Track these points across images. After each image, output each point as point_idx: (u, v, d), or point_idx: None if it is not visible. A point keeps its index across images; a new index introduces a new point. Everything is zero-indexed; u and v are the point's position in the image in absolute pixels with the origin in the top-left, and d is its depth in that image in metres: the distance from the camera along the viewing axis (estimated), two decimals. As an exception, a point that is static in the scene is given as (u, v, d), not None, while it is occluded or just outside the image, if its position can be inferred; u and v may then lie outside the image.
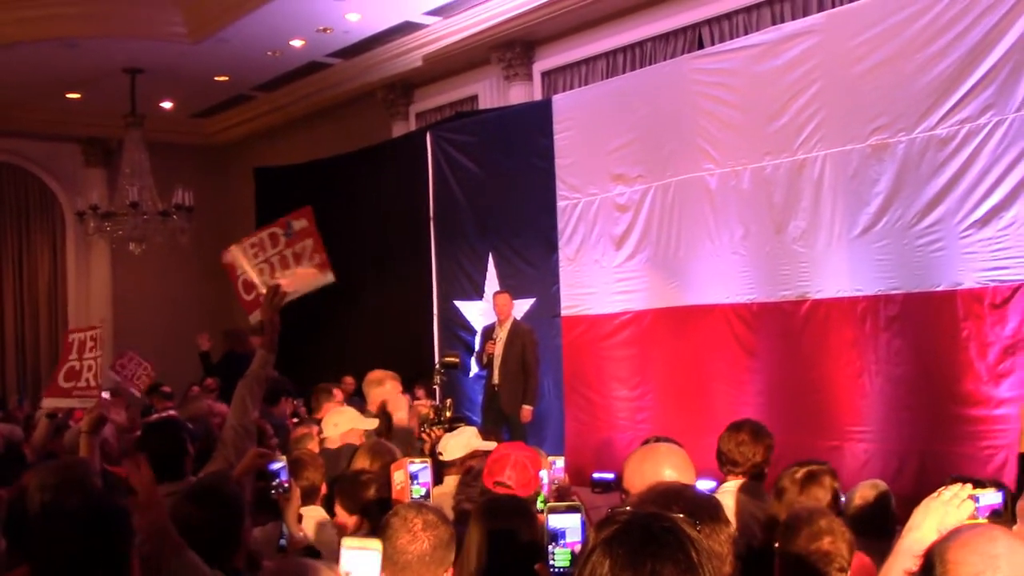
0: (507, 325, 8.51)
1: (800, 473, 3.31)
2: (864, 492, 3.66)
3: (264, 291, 4.32)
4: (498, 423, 8.00)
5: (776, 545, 2.71)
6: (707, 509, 2.26)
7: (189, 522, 2.84)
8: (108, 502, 2.48)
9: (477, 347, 9.03)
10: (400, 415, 5.23)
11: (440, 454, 4.53)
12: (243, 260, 4.44)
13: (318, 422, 5.91)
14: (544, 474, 3.59)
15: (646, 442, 4.11)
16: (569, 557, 1.94)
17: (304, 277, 4.43)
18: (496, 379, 8.37)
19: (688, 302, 7.76)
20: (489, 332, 8.64)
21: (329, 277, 4.52)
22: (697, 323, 7.66)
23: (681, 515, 1.59)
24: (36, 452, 5.01)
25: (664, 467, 2.67)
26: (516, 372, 8.34)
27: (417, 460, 3.48)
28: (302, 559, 2.83)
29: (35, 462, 4.82)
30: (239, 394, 4.11)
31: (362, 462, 4.15)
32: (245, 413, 4.05)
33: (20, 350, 14.69)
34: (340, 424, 5.13)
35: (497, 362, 8.37)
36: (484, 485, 3.55)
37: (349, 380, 10.49)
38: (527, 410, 8.33)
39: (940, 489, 2.10)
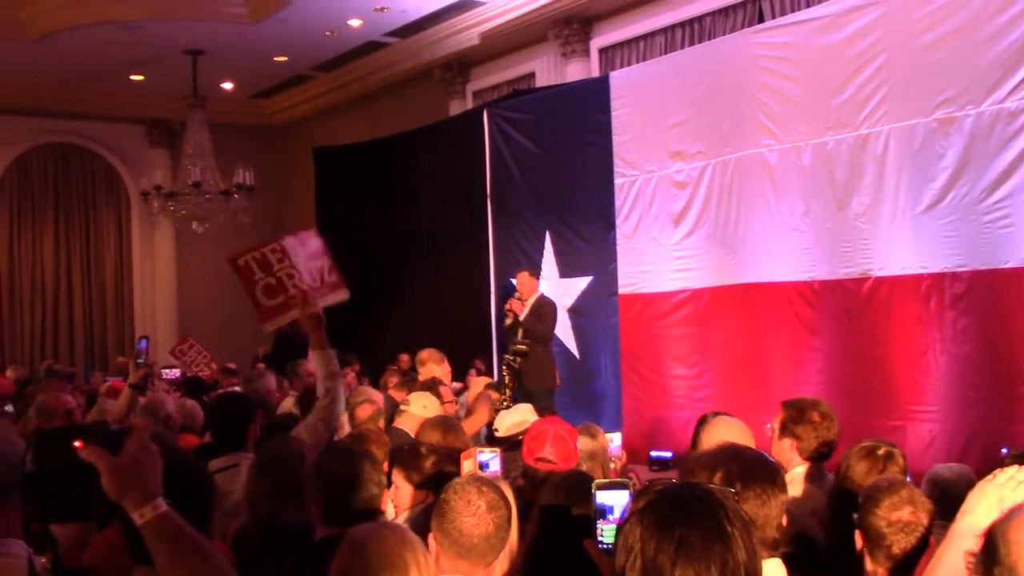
0: (530, 302, 8.51)
1: (882, 450, 3.27)
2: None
3: (294, 293, 4.22)
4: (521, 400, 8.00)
5: (856, 516, 2.71)
6: (763, 471, 2.27)
7: (258, 489, 2.89)
8: (192, 462, 2.56)
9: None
10: (481, 414, 5.30)
11: (496, 431, 4.56)
12: (262, 266, 4.30)
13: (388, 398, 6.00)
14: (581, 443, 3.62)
15: (703, 418, 4.11)
16: (615, 533, 1.95)
17: (322, 293, 4.29)
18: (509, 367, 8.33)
19: (747, 280, 7.67)
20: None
21: (344, 295, 4.40)
22: (757, 301, 7.58)
23: (717, 486, 1.59)
24: (117, 423, 5.17)
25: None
26: (539, 349, 8.30)
27: (487, 449, 3.49)
28: (389, 523, 2.87)
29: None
30: (312, 421, 3.99)
31: (431, 436, 4.16)
32: (319, 441, 3.90)
33: (88, 326, 15.10)
34: (429, 408, 5.09)
35: (519, 334, 8.35)
36: (524, 462, 3.56)
37: (404, 358, 10.60)
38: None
39: (995, 471, 2.06)
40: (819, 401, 3.93)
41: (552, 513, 2.68)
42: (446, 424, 4.31)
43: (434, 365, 6.65)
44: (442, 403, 5.45)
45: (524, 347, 7.81)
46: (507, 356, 7.87)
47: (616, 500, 1.87)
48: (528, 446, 3.57)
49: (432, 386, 5.72)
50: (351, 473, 2.93)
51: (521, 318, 8.36)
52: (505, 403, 6.10)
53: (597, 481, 2.02)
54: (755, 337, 7.58)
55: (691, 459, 2.46)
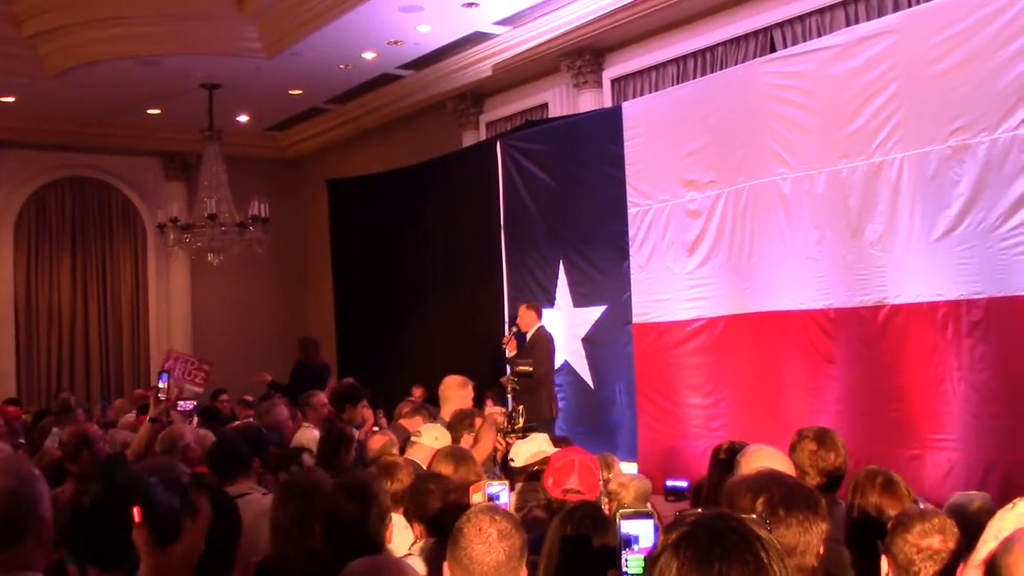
0: (529, 335, 8.53)
1: (880, 479, 3.26)
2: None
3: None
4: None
5: (883, 541, 2.69)
6: (805, 499, 2.26)
7: (340, 514, 2.88)
8: (224, 495, 2.57)
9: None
10: (487, 441, 5.27)
11: (511, 461, 4.54)
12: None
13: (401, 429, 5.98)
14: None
15: (718, 448, 4.09)
16: (642, 563, 1.93)
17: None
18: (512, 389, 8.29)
19: (762, 308, 7.65)
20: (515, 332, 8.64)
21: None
22: (772, 330, 7.55)
23: (750, 516, 1.59)
24: (136, 454, 5.19)
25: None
26: (534, 383, 8.25)
27: (495, 482, 3.47)
28: (387, 557, 2.86)
29: (133, 463, 5.00)
30: None
31: (444, 467, 4.14)
32: None
33: (104, 358, 15.14)
34: (440, 439, 5.08)
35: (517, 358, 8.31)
36: (550, 494, 3.53)
37: (417, 392, 10.59)
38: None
39: (1016, 500, 2.04)
40: (824, 430, 3.91)
41: (568, 543, 2.67)
42: (458, 456, 4.29)
43: (453, 395, 6.56)
44: (474, 434, 5.43)
45: (527, 368, 7.79)
46: (510, 377, 7.84)
47: (641, 530, 1.86)
48: (554, 478, 3.55)
49: (463, 419, 5.69)
50: (354, 510, 2.92)
51: (508, 354, 8.34)
52: (514, 429, 6.06)
53: (622, 510, 2.01)
54: (771, 366, 7.55)
55: (733, 484, 2.44)
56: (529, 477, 4.11)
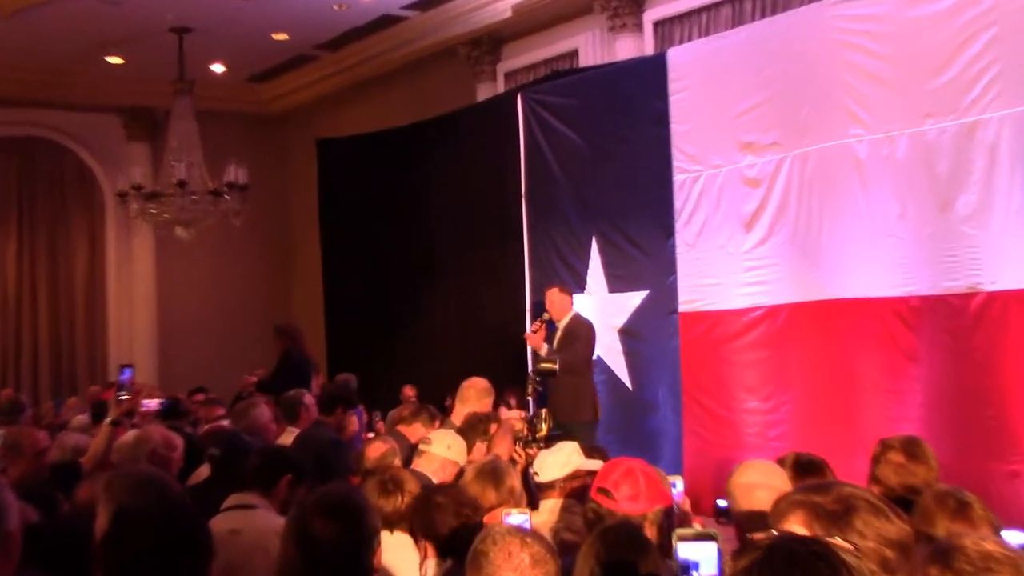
0: (562, 324, 8.49)
1: (950, 502, 3.25)
2: None
3: None
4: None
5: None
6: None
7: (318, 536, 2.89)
8: (192, 512, 2.61)
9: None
10: (502, 450, 5.29)
11: (535, 475, 4.54)
12: None
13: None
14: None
15: (780, 462, 4.10)
16: None
17: None
18: (534, 389, 8.28)
19: (832, 295, 7.63)
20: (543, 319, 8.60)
21: None
22: (844, 320, 7.53)
23: (838, 539, 1.60)
24: (93, 461, 5.25)
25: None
26: (571, 377, 8.28)
27: (515, 510, 3.47)
28: None
29: (91, 472, 5.08)
30: None
31: (479, 489, 4.14)
32: None
33: (55, 351, 15.22)
34: (454, 448, 5.11)
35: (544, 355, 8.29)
36: (590, 497, 3.52)
37: (409, 391, 10.62)
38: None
39: None
40: (912, 440, 3.92)
41: (609, 571, 2.67)
42: (497, 474, 4.25)
43: (473, 398, 6.59)
44: (487, 442, 5.46)
45: (550, 365, 7.78)
46: (530, 375, 7.84)
47: (702, 555, 1.87)
48: (596, 479, 3.55)
49: (476, 425, 5.71)
50: (335, 530, 2.92)
51: (542, 353, 8.32)
52: (536, 437, 6.08)
53: (679, 531, 2.02)
54: (842, 363, 7.53)
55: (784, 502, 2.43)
56: (567, 496, 4.11)
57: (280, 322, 11.25)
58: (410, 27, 12.51)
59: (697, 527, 2.47)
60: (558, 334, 8.45)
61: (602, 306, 9.28)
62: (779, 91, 8.00)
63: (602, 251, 9.45)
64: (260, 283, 15.90)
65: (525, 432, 6.05)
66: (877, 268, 7.33)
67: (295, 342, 10.09)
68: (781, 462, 4.21)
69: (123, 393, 5.28)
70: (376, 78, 13.97)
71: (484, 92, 12.39)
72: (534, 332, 8.56)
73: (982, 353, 6.72)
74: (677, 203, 8.75)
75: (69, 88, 14.12)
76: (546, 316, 8.53)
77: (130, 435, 5.49)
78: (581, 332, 8.46)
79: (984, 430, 6.61)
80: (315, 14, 11.91)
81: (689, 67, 8.74)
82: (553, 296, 8.62)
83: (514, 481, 4.29)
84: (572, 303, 8.64)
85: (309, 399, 7.29)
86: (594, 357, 8.73)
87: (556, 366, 7.77)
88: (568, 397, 8.10)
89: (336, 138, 13.76)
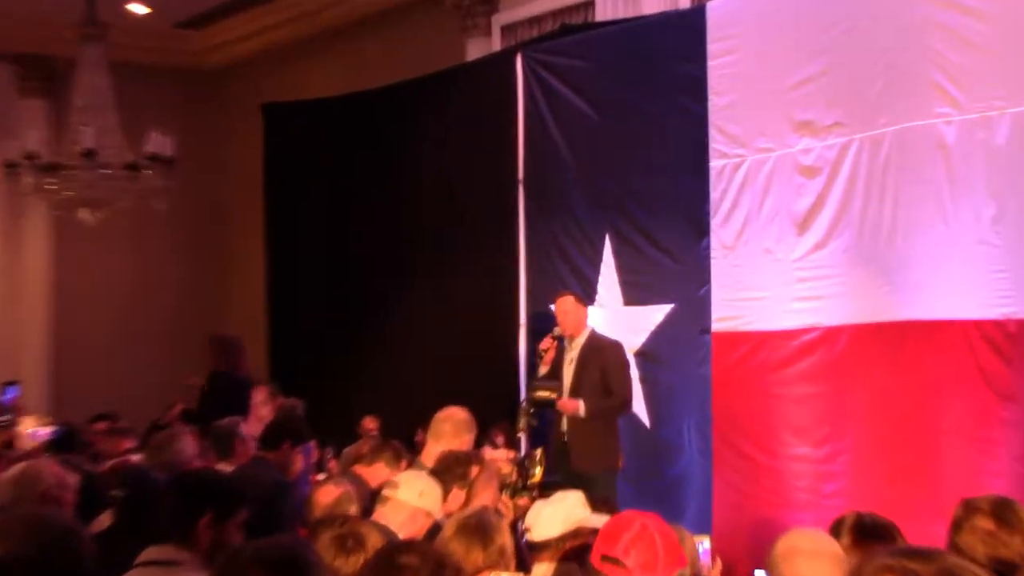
0: (578, 342, 8.49)
1: None
2: None
3: None
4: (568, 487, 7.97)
5: None
6: None
7: None
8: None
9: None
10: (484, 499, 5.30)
11: (527, 531, 4.53)
12: None
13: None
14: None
15: (838, 524, 4.07)
16: None
17: None
18: (564, 423, 8.32)
19: (906, 316, 7.63)
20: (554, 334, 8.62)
21: None
22: (920, 348, 7.53)
23: None
24: None
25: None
26: (609, 416, 8.28)
27: (504, 573, 3.46)
28: None
29: None
30: None
31: (461, 548, 4.13)
32: None
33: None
34: (427, 495, 5.11)
35: (565, 395, 8.30)
36: (593, 567, 3.52)
37: (370, 424, 10.63)
38: (571, 403, 8.23)
39: None
40: (1005, 502, 3.94)
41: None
42: (485, 530, 4.25)
43: (451, 432, 6.59)
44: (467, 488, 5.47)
45: (548, 393, 7.77)
46: (522, 406, 7.84)
47: None
48: (601, 537, 3.55)
49: (452, 466, 5.71)
50: None
51: (540, 370, 8.33)
52: (527, 484, 6.08)
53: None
54: (916, 402, 7.53)
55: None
56: (562, 557, 4.10)
57: (215, 333, 11.22)
58: (384, -35, 12.54)
59: None
60: (571, 354, 8.44)
61: (615, 322, 9.27)
62: (845, 59, 8.01)
63: (617, 253, 9.46)
64: (188, 282, 15.87)
65: (514, 477, 6.04)
66: (965, 283, 7.33)
67: (233, 358, 10.07)
68: (838, 524, 4.20)
69: (5, 417, 5.26)
70: (340, 29, 13.99)
71: (475, 50, 12.42)
72: (544, 350, 8.51)
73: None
74: (713, 195, 8.75)
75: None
76: (557, 331, 8.51)
77: (13, 470, 5.46)
78: (612, 360, 8.45)
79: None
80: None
81: (735, 24, 8.75)
82: (567, 305, 8.60)
83: (505, 539, 4.27)
84: (587, 317, 8.63)
85: (246, 430, 7.28)
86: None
87: (555, 396, 7.77)
88: (594, 439, 8.13)
89: (288, 102, 13.78)
